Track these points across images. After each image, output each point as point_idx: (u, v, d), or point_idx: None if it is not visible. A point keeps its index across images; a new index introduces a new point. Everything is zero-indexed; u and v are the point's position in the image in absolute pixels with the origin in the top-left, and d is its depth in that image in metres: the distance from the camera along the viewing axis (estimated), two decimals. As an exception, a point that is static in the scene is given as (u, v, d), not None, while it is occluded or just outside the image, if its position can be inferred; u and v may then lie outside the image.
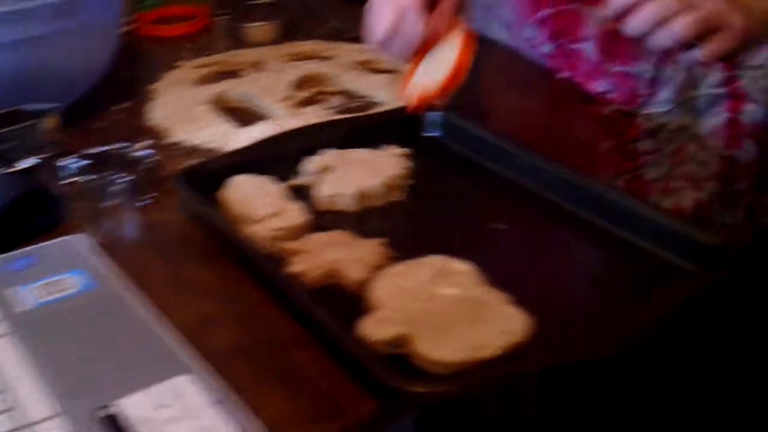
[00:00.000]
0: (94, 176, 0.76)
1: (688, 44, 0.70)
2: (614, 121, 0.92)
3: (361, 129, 0.83)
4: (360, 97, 0.98)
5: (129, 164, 0.80)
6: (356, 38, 1.15)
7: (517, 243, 0.68)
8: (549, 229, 0.70)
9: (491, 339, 0.54)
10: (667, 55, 0.87)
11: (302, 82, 1.00)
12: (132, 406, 0.52)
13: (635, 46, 0.87)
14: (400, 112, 0.85)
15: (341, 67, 1.03)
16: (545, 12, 0.96)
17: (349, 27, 1.19)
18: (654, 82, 0.90)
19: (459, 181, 0.78)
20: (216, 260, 0.68)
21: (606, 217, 0.68)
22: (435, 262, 0.62)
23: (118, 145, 0.81)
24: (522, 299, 0.57)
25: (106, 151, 0.81)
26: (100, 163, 0.80)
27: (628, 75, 0.90)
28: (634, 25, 0.70)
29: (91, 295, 0.62)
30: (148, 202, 0.77)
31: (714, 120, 0.92)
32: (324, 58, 1.08)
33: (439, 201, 0.74)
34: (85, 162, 0.78)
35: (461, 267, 0.61)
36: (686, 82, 0.90)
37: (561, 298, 0.61)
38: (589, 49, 0.90)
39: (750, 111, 0.91)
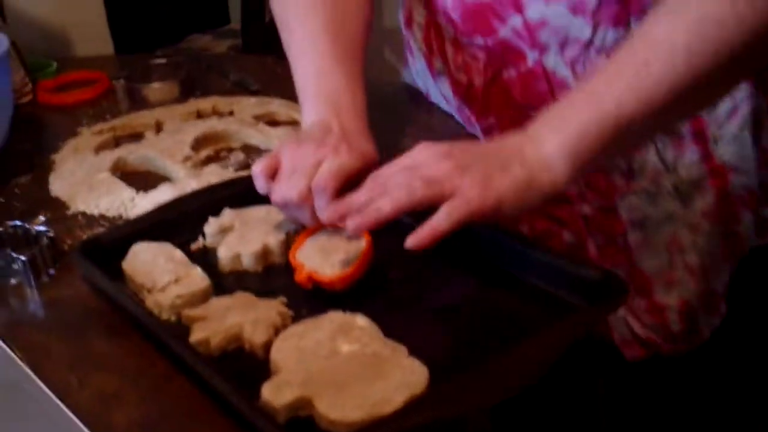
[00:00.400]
0: (-9, 257, 0.75)
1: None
2: (595, 219, 0.89)
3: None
4: (261, 151, 0.99)
5: (27, 241, 0.80)
6: (255, 91, 1.17)
7: (413, 291, 0.69)
8: (444, 276, 0.71)
9: (390, 394, 0.55)
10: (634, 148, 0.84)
11: (202, 141, 1.00)
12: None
13: None
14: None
15: (241, 123, 1.03)
16: (493, 120, 0.95)
17: (248, 79, 1.20)
18: (628, 175, 0.87)
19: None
20: (119, 333, 0.68)
21: (498, 260, 0.70)
22: (334, 318, 0.63)
23: (13, 223, 0.80)
24: (419, 349, 0.59)
25: (2, 230, 0.79)
26: (-2, 244, 0.79)
27: (598, 170, 0.86)
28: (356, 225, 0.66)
29: (-12, 383, 0.62)
30: (47, 279, 0.76)
31: (702, 202, 0.86)
32: (223, 115, 1.08)
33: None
34: (-21, 244, 0.77)
35: (360, 322, 0.62)
36: (660, 168, 0.86)
37: (457, 344, 0.62)
38: None
39: (738, 183, 0.86)
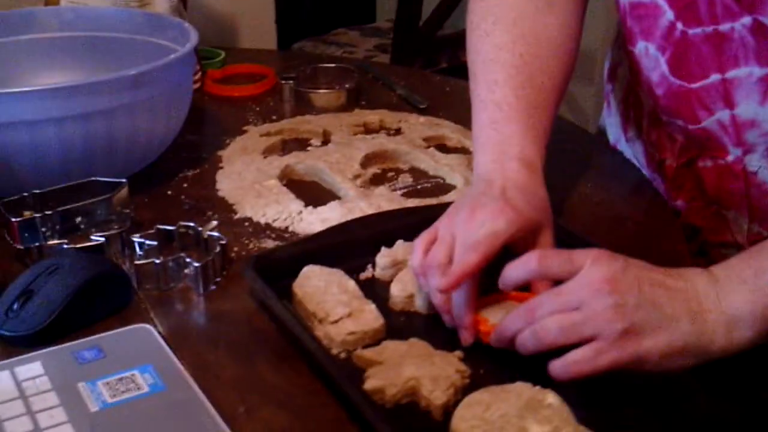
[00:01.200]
0: (162, 257, 0.74)
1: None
2: None
3: (433, 219, 0.81)
4: (429, 177, 0.96)
5: (197, 244, 0.79)
6: (423, 109, 1.14)
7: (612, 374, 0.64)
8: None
9: (585, 491, 0.50)
10: None
11: (370, 158, 0.98)
12: None
13: None
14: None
15: (410, 143, 1.00)
16: (680, 203, 0.89)
17: (416, 96, 1.17)
18: None
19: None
20: (288, 362, 0.66)
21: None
22: (522, 391, 0.59)
23: (186, 224, 0.79)
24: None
25: (175, 229, 0.79)
26: (168, 242, 0.78)
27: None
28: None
29: (159, 399, 0.60)
30: (214, 288, 0.75)
31: None
32: (390, 131, 1.06)
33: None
34: (153, 242, 0.76)
35: (550, 399, 0.58)
36: None
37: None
38: None
39: None
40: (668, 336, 0.57)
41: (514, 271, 0.62)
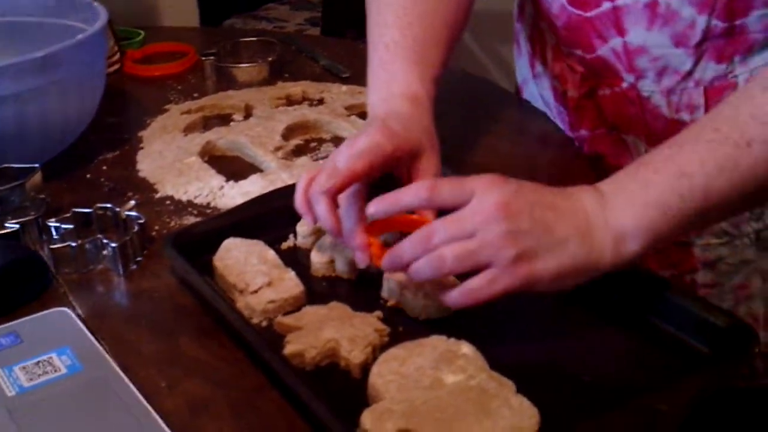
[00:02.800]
0: (80, 240, 0.73)
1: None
2: (666, 251, 0.84)
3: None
4: (352, 144, 0.96)
5: (115, 225, 0.78)
6: (346, 78, 1.13)
7: (520, 318, 0.65)
8: (555, 306, 0.67)
9: (498, 435, 0.51)
10: None
11: (293, 129, 0.98)
12: (122, 507, 0.50)
13: None
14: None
15: (332, 113, 1.00)
16: (584, 132, 0.91)
17: (339, 65, 1.17)
18: None
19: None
20: (210, 335, 0.66)
21: (618, 296, 0.65)
22: (437, 344, 0.59)
23: (103, 205, 0.78)
24: (527, 387, 0.55)
25: (92, 211, 0.78)
26: (86, 225, 0.77)
27: None
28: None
29: (76, 379, 0.60)
30: (134, 267, 0.74)
31: None
32: (314, 102, 1.05)
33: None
34: (70, 226, 0.75)
35: (464, 350, 0.59)
36: (745, 213, 0.81)
37: (571, 383, 0.58)
38: None
39: None
40: (559, 258, 0.58)
41: (405, 197, 0.63)
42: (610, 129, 0.89)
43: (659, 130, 0.84)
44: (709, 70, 0.80)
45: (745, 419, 0.92)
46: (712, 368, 0.57)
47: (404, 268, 0.62)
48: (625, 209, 0.58)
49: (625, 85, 0.85)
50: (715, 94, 0.81)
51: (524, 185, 0.60)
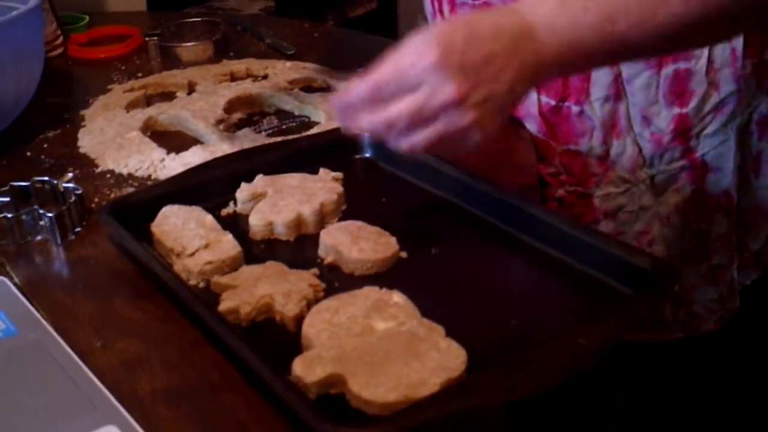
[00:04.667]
0: (17, 212, 0.73)
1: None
2: (569, 203, 0.85)
3: (293, 153, 0.82)
4: (294, 117, 0.97)
5: (54, 198, 0.78)
6: (291, 55, 1.14)
7: (451, 269, 0.66)
8: (485, 254, 0.68)
9: (427, 376, 0.52)
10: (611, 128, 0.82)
11: (235, 104, 0.98)
12: (55, 461, 0.50)
13: (578, 122, 0.81)
14: (331, 134, 0.84)
15: (275, 87, 1.01)
16: None
17: (284, 43, 1.17)
18: (603, 160, 0.83)
19: (392, 204, 0.76)
20: (146, 298, 0.66)
21: (543, 241, 0.67)
22: (369, 294, 0.60)
23: (41, 179, 0.78)
24: (457, 331, 0.56)
25: (30, 184, 0.77)
26: (25, 199, 0.77)
27: (575, 153, 0.83)
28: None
29: (10, 342, 0.60)
30: (73, 237, 0.74)
31: (677, 197, 0.83)
32: (257, 77, 1.06)
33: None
34: (6, 199, 0.75)
35: (395, 298, 0.59)
36: (637, 159, 0.82)
37: (498, 327, 0.60)
38: (531, 128, 0.83)
39: (714, 181, 0.82)
40: (497, 102, 0.59)
41: (354, 101, 0.62)
42: None
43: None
44: None
45: (657, 373, 0.94)
46: (629, 303, 0.59)
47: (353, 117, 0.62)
48: (535, 6, 0.60)
49: None
50: None
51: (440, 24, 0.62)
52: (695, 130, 0.81)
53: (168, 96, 1.03)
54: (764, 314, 0.92)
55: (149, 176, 0.85)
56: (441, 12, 0.96)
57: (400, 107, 0.60)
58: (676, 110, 0.80)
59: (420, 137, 0.60)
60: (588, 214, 0.84)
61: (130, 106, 0.99)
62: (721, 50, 0.78)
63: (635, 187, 0.83)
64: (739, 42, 0.78)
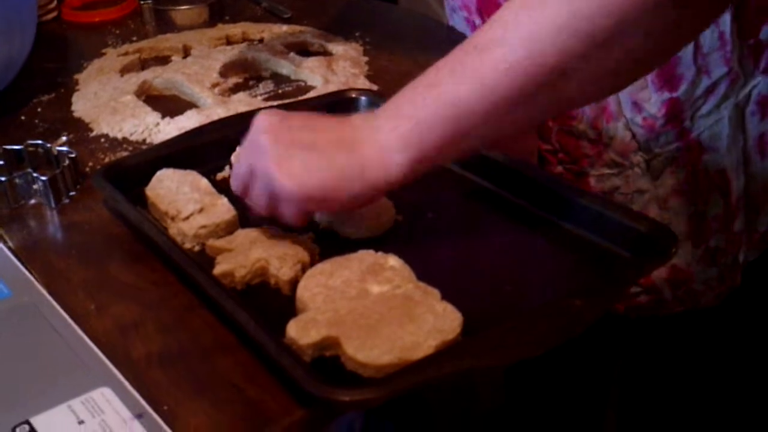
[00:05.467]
0: (11, 175, 0.73)
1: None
2: (567, 179, 0.84)
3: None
4: (291, 81, 0.96)
5: (48, 162, 0.77)
6: (288, 19, 1.12)
7: (448, 233, 0.66)
8: (481, 219, 0.68)
9: (422, 338, 0.52)
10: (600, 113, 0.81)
11: (230, 68, 0.97)
12: (50, 422, 0.50)
13: None
14: (328, 98, 0.83)
15: (271, 51, 0.99)
16: None
17: (280, 6, 1.16)
18: (597, 142, 0.83)
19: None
20: (141, 261, 0.65)
21: (539, 206, 0.66)
22: (364, 257, 0.60)
23: (34, 142, 0.77)
24: (452, 295, 0.56)
25: (23, 148, 0.77)
26: (19, 163, 0.76)
27: (569, 133, 0.82)
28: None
29: (3, 304, 0.60)
30: (67, 201, 0.74)
31: (673, 178, 0.83)
32: (253, 41, 1.05)
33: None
34: (0, 162, 0.75)
35: (391, 262, 0.59)
36: (630, 143, 0.82)
37: (494, 292, 0.59)
38: None
39: (710, 160, 0.82)
40: (334, 165, 0.57)
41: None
42: None
43: None
44: None
45: (654, 348, 0.94)
46: (626, 266, 0.58)
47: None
48: (387, 122, 0.58)
49: None
50: None
51: (291, 114, 0.62)
52: (688, 112, 0.81)
53: (163, 60, 1.01)
54: (765, 290, 0.92)
55: (144, 140, 0.84)
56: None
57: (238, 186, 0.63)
58: (666, 95, 0.79)
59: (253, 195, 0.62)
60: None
61: (125, 70, 0.98)
62: (709, 34, 0.77)
63: (630, 170, 0.82)
64: (726, 25, 0.77)
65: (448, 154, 0.59)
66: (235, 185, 0.64)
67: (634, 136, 0.82)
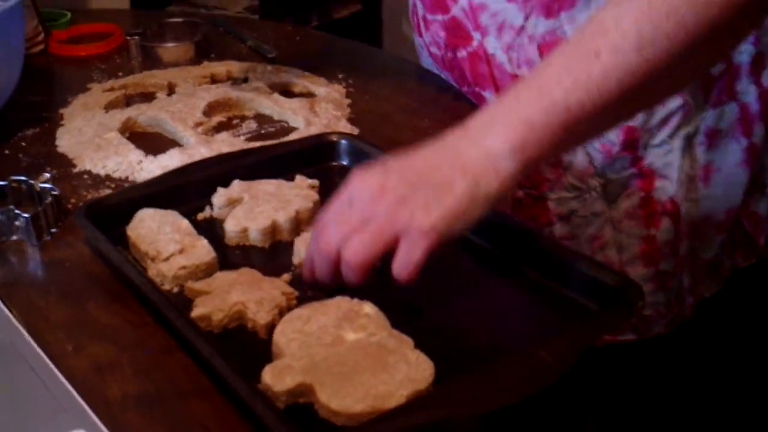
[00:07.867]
0: (-8, 212, 0.73)
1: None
2: (526, 204, 0.88)
3: (270, 159, 0.82)
4: (273, 121, 0.97)
5: (30, 197, 0.78)
6: (272, 59, 1.14)
7: (423, 281, 0.67)
8: (456, 267, 0.69)
9: (394, 388, 0.53)
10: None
11: (214, 107, 0.98)
12: (23, 464, 0.51)
13: None
14: (309, 141, 0.84)
15: (255, 91, 1.01)
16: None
17: (266, 46, 1.17)
18: (556, 167, 0.86)
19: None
20: (120, 301, 0.66)
21: (513, 256, 0.68)
22: (341, 304, 0.61)
23: (17, 178, 0.78)
24: (426, 343, 0.57)
25: (7, 184, 0.78)
26: (1, 199, 0.77)
27: None
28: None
29: (-18, 343, 0.60)
30: (49, 238, 0.74)
31: (627, 202, 0.87)
32: (238, 80, 1.06)
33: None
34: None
35: (366, 309, 0.60)
36: (588, 168, 0.86)
37: (466, 341, 0.60)
38: None
39: (661, 187, 0.87)
40: (451, 196, 0.59)
41: (317, 260, 0.62)
42: (470, 86, 0.95)
43: (506, 85, 0.89)
44: (540, 25, 0.85)
45: (638, 371, 0.96)
46: (593, 320, 0.60)
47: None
48: (492, 130, 0.60)
49: (475, 44, 0.90)
50: (547, 49, 0.85)
51: (388, 161, 0.62)
52: (642, 140, 0.85)
53: (147, 96, 1.03)
54: (717, 323, 0.95)
55: (127, 178, 0.85)
56: (418, 26, 0.98)
57: (353, 248, 0.60)
58: (624, 123, 0.83)
59: (356, 241, 0.60)
60: (542, 216, 0.88)
61: (110, 106, 0.99)
62: None
63: (587, 194, 0.87)
64: None
65: (556, 151, 0.62)
66: (324, 252, 0.61)
67: (591, 160, 0.86)
